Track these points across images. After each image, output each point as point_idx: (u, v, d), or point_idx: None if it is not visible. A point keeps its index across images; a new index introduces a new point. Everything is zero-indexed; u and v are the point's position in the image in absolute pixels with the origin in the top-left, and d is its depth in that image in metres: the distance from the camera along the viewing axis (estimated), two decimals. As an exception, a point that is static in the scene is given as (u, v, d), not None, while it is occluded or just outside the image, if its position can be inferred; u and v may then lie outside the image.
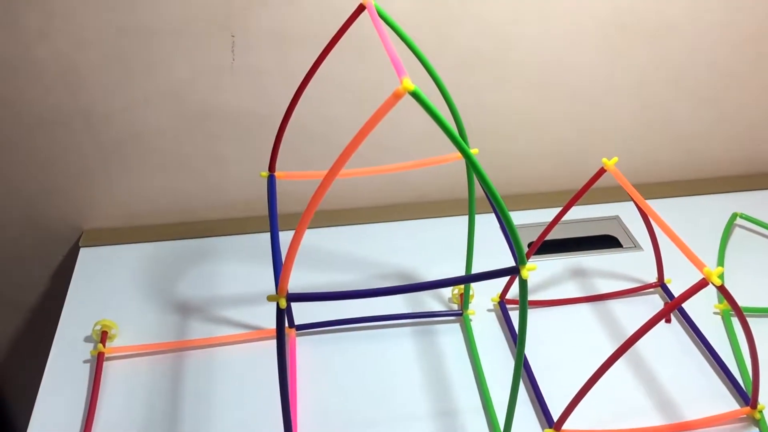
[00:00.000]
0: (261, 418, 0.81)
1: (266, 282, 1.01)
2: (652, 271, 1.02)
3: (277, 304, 0.62)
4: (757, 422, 0.79)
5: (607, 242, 1.12)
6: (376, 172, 0.84)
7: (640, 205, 0.79)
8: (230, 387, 0.85)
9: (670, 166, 1.24)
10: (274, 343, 0.91)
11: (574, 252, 1.09)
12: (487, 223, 1.13)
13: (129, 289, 1.00)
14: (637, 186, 1.23)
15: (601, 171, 0.86)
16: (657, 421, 0.81)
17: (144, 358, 0.89)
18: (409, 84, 0.51)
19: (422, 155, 0.86)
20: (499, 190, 1.20)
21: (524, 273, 0.64)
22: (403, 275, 1.03)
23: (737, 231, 1.12)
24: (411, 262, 1.06)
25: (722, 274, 0.98)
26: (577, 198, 0.88)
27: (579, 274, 1.04)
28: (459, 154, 0.83)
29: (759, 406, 0.80)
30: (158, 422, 0.80)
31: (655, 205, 1.16)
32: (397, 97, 0.52)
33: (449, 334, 0.94)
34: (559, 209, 0.90)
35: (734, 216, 1.12)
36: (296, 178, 0.82)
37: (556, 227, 1.13)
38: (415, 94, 0.51)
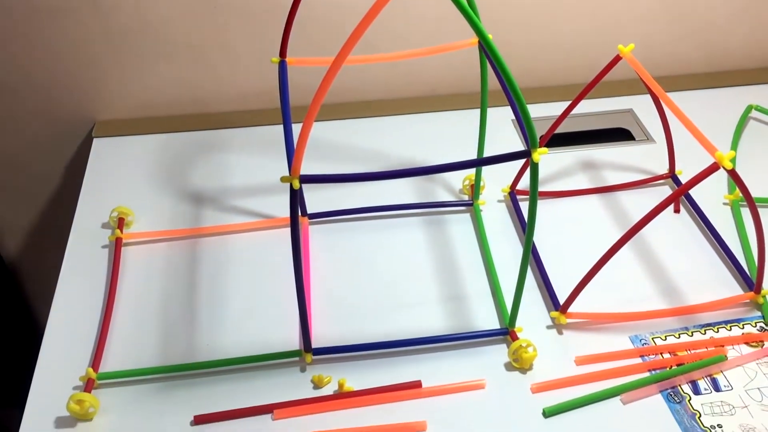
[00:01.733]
0: (274, 302, 0.83)
1: (278, 173, 1.02)
2: (664, 163, 1.01)
3: (291, 185, 0.63)
4: (761, 306, 0.81)
5: (619, 135, 1.11)
6: (387, 59, 0.83)
7: (654, 92, 0.78)
8: (244, 272, 0.87)
9: (687, 59, 1.22)
10: (286, 231, 0.92)
11: (586, 145, 1.08)
12: (498, 118, 1.13)
13: (143, 179, 1.01)
14: (655, 79, 1.21)
15: (617, 58, 0.85)
16: (662, 305, 0.82)
17: (160, 245, 0.91)
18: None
19: (435, 44, 0.84)
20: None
21: (536, 156, 0.64)
22: (417, 166, 1.04)
23: (751, 123, 1.11)
24: (423, 155, 1.06)
25: (734, 158, 0.98)
26: (590, 87, 0.87)
27: (590, 166, 1.04)
28: (472, 40, 0.82)
29: (763, 291, 0.81)
30: (175, 304, 0.83)
31: (671, 98, 1.17)
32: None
33: (460, 224, 0.95)
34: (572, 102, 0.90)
35: (749, 108, 1.11)
36: (307, 64, 0.81)
37: (569, 120, 1.12)
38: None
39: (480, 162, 0.66)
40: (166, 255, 0.89)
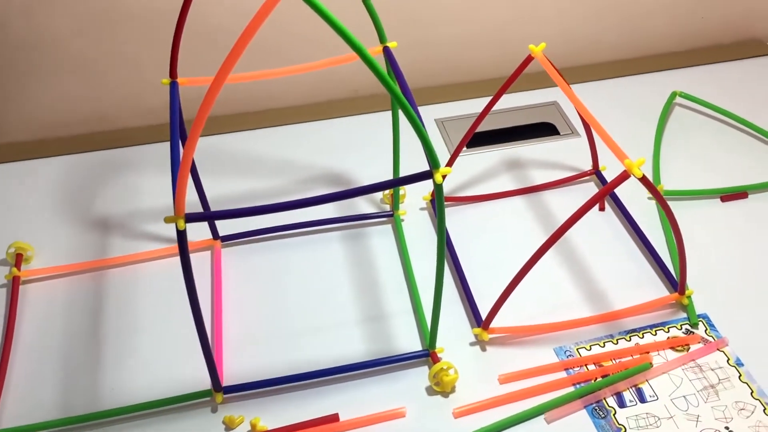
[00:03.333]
0: (185, 337, 0.78)
1: (191, 191, 0.97)
2: (589, 158, 0.99)
3: (176, 226, 0.58)
4: (686, 307, 0.79)
5: (545, 130, 1.09)
6: (278, 75, 0.78)
7: (566, 93, 0.75)
8: (154, 305, 0.83)
9: (612, 46, 1.19)
10: (202, 256, 0.88)
11: (511, 142, 1.05)
12: (424, 116, 1.09)
13: (44, 208, 0.95)
14: (579, 68, 1.19)
15: (528, 59, 0.82)
16: (588, 312, 0.80)
17: (62, 280, 0.85)
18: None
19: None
20: (430, 80, 1.17)
21: (437, 177, 0.61)
22: (333, 177, 1.00)
23: (677, 110, 1.10)
24: (345, 162, 1.02)
25: (659, 160, 0.97)
26: (505, 88, 0.84)
27: (515, 165, 1.01)
28: (377, 48, 0.78)
29: (687, 292, 0.79)
30: (79, 347, 0.78)
31: (596, 87, 1.15)
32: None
33: (381, 236, 0.91)
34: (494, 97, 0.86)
35: (673, 95, 1.09)
36: (201, 84, 0.76)
37: (492, 117, 1.10)
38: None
39: (377, 187, 0.62)
40: (69, 292, 0.84)
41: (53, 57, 0.99)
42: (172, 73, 0.74)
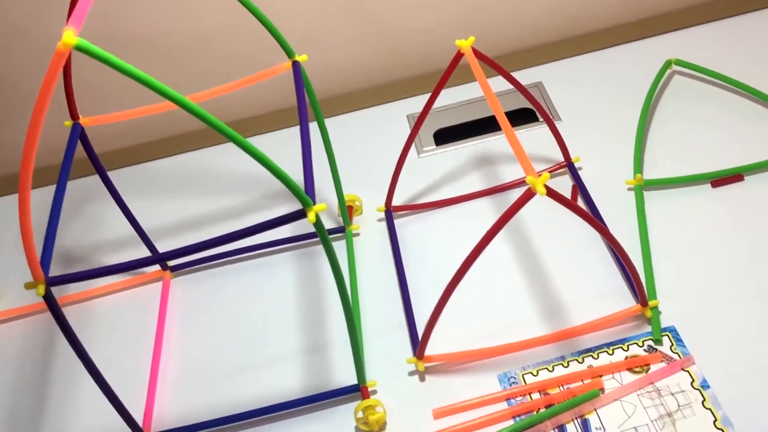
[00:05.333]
0: (128, 376, 0.77)
1: (147, 215, 0.96)
2: (572, 146, 0.90)
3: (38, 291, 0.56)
4: (650, 320, 0.71)
5: (525, 116, 0.99)
6: (196, 99, 0.74)
7: (488, 99, 0.67)
8: (102, 344, 0.82)
9: (604, 11, 1.07)
10: (150, 288, 0.87)
11: (484, 135, 0.97)
12: (394, 113, 1.02)
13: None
14: (569, 39, 1.07)
15: (458, 56, 0.74)
16: (545, 329, 0.73)
17: (10, 325, 0.86)
18: (70, 38, 0.42)
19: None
20: (406, 72, 1.09)
21: (311, 216, 0.56)
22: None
23: (675, 80, 0.98)
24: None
25: (629, 148, 0.87)
26: (440, 86, 0.76)
27: (486, 161, 0.93)
28: (286, 64, 0.73)
29: (651, 302, 0.71)
30: (26, 397, 0.78)
31: (586, 61, 1.04)
32: (60, 55, 0.43)
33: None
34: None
35: (668, 63, 0.97)
36: (105, 122, 0.73)
37: (467, 107, 1.02)
38: (81, 48, 0.42)
39: (248, 232, 0.57)
40: (18, 337, 0.85)
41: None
42: (73, 115, 0.71)
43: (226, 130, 0.49)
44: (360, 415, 0.68)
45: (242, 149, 0.50)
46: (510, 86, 1.01)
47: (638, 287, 0.68)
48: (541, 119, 0.97)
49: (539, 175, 0.57)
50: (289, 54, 0.72)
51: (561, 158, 0.88)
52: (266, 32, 0.70)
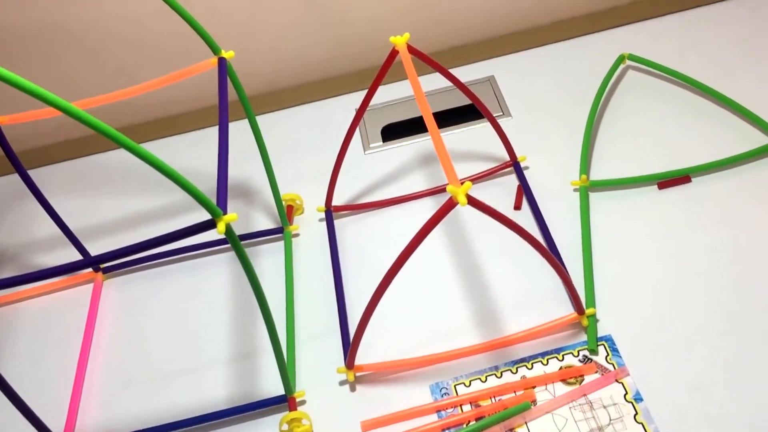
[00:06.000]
0: (49, 384, 0.75)
1: (78, 215, 0.92)
2: (520, 142, 0.87)
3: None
4: (586, 329, 0.69)
5: (478, 111, 0.96)
6: (118, 98, 0.71)
7: (417, 98, 0.64)
8: (26, 350, 0.79)
9: (554, 3, 1.04)
10: (82, 290, 0.84)
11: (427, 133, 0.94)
12: (342, 109, 0.99)
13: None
14: (523, 32, 1.04)
15: (393, 53, 0.71)
16: (479, 338, 0.71)
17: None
18: None
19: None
20: (354, 64, 1.06)
21: (221, 227, 0.53)
22: (233, 186, 0.92)
23: (629, 75, 0.95)
24: (241, 171, 0.94)
25: (576, 148, 0.85)
26: (376, 83, 0.74)
27: (433, 159, 0.91)
28: (212, 61, 0.70)
29: (588, 311, 0.68)
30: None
31: (539, 54, 1.01)
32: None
33: (272, 256, 0.84)
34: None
35: (621, 58, 0.94)
36: (24, 120, 0.70)
37: (409, 103, 0.99)
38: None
39: (155, 242, 0.54)
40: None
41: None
42: (-9, 117, 0.68)
43: (117, 136, 0.46)
44: (285, 427, 0.65)
45: (136, 156, 0.47)
46: (462, 78, 0.99)
47: (573, 295, 0.66)
48: (494, 114, 0.94)
49: (462, 183, 0.54)
50: (215, 50, 0.69)
51: (503, 160, 0.86)
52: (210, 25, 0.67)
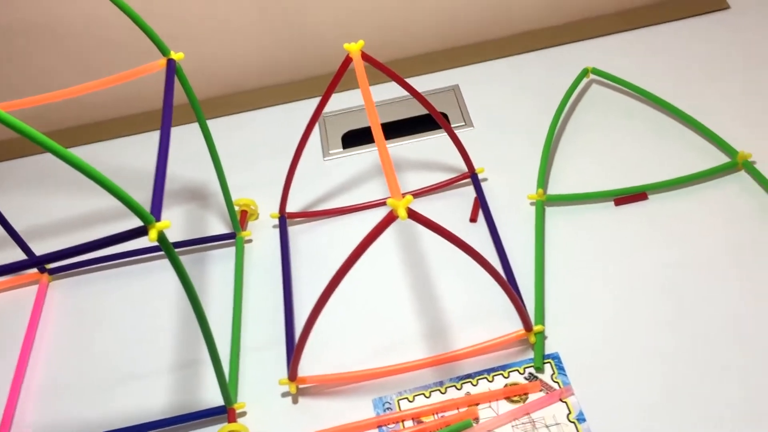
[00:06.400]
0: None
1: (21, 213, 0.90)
2: (481, 153, 0.87)
3: None
4: (533, 346, 0.68)
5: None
6: (67, 96, 0.69)
7: (366, 107, 0.63)
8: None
9: (525, 14, 1.03)
10: (26, 291, 0.82)
11: (396, 139, 0.93)
12: (283, 115, 0.98)
13: None
14: (489, 42, 1.03)
15: (347, 60, 0.69)
16: (426, 353, 0.69)
17: None
18: None
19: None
20: (321, 68, 1.04)
21: (152, 234, 0.51)
22: (189, 190, 0.91)
23: (593, 89, 0.94)
24: (200, 173, 0.92)
25: (534, 162, 0.84)
26: (330, 90, 0.72)
27: (395, 166, 0.89)
28: (160, 62, 0.68)
29: (535, 328, 0.68)
30: None
31: (503, 66, 1.00)
32: None
33: (224, 261, 0.82)
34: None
35: (584, 72, 0.93)
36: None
37: (382, 108, 0.98)
38: None
39: (87, 247, 0.53)
40: None
41: None
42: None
43: (40, 138, 0.44)
44: (222, 440, 0.64)
45: (61, 159, 0.46)
46: (428, 87, 0.98)
47: (519, 311, 0.65)
48: (454, 124, 0.93)
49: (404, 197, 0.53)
50: (164, 51, 0.67)
51: (463, 170, 0.85)
52: (164, 23, 0.65)
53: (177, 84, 0.66)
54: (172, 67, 0.67)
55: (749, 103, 0.87)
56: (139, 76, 0.68)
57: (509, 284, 0.72)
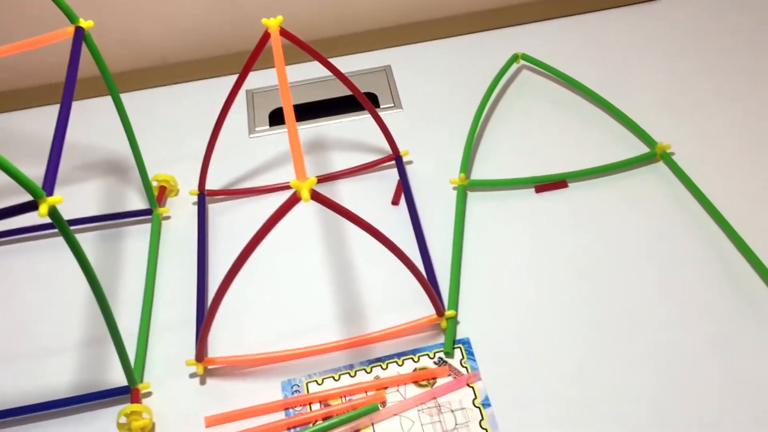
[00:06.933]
0: None
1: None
2: (406, 135, 0.86)
3: None
4: (444, 331, 0.68)
5: (372, 100, 0.94)
6: None
7: (280, 86, 0.61)
8: None
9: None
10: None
11: (322, 118, 0.92)
12: (211, 90, 0.96)
13: None
14: (422, 23, 1.02)
15: (266, 36, 0.68)
16: (340, 336, 0.69)
17: None
18: None
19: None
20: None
21: (42, 209, 0.50)
22: (110, 164, 0.88)
23: (522, 75, 0.94)
24: (124, 146, 0.90)
25: (459, 147, 0.83)
26: (247, 68, 0.70)
27: (319, 146, 0.88)
28: (68, 29, 0.65)
29: (447, 313, 0.68)
30: None
31: (433, 48, 1.00)
32: None
33: (140, 238, 0.80)
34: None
35: (514, 57, 0.93)
36: None
37: (310, 87, 0.96)
38: None
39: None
40: None
41: None
42: None
43: None
44: (123, 420, 0.62)
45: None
46: (356, 68, 0.97)
47: (430, 296, 0.65)
48: (382, 106, 0.92)
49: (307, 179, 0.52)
50: (72, 19, 0.64)
51: (388, 152, 0.84)
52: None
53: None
54: (79, 36, 0.64)
55: (673, 94, 0.88)
56: (44, 44, 0.65)
57: (425, 269, 0.72)
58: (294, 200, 0.52)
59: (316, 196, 0.52)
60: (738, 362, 0.63)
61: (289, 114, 0.58)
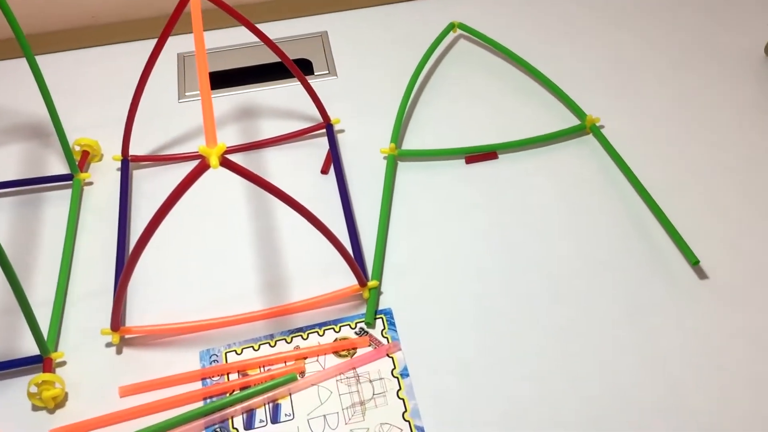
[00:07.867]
0: None
1: None
2: (342, 105, 0.85)
3: None
4: (366, 301, 0.67)
5: (305, 67, 0.93)
6: None
7: (197, 52, 0.59)
8: None
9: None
10: None
11: (254, 84, 0.90)
12: (140, 52, 0.93)
13: None
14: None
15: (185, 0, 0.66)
16: (262, 305, 0.68)
17: None
18: None
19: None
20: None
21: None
22: (30, 128, 0.85)
23: (459, 45, 0.94)
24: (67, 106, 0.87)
25: (391, 115, 0.82)
26: (166, 33, 0.68)
27: (250, 113, 0.87)
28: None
29: (369, 283, 0.67)
30: None
31: (376, 13, 0.98)
32: None
33: (61, 204, 0.78)
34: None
35: (450, 26, 0.92)
36: None
37: (242, 51, 0.94)
38: None
39: None
40: None
41: None
42: None
43: None
44: (33, 389, 0.61)
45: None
46: (292, 33, 0.95)
47: (351, 266, 0.65)
48: (316, 72, 0.91)
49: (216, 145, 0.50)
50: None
51: (319, 120, 0.83)
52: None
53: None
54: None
55: (607, 68, 0.89)
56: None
57: (351, 238, 0.72)
58: (203, 167, 0.51)
59: (226, 163, 0.51)
60: (652, 331, 0.64)
61: (203, 77, 0.56)
